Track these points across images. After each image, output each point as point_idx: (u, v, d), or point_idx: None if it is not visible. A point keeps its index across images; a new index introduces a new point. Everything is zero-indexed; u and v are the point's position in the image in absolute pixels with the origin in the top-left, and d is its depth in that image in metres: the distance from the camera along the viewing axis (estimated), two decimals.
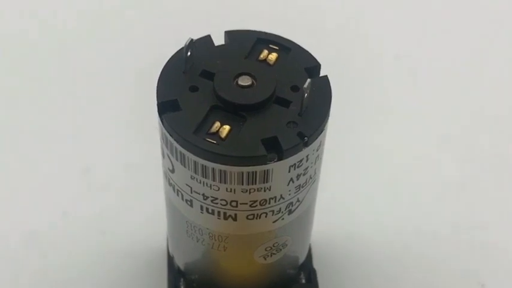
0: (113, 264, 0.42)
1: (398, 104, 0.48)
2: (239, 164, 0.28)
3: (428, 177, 0.45)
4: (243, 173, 0.28)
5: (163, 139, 0.30)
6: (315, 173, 0.31)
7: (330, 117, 0.30)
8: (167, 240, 0.37)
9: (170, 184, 0.31)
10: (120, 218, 0.43)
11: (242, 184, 0.29)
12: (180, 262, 0.35)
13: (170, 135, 0.29)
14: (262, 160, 0.28)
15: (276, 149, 0.28)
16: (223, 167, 0.28)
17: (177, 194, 0.31)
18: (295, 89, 0.30)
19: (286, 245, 0.33)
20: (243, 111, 0.29)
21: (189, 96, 0.29)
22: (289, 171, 0.29)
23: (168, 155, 0.30)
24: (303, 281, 0.35)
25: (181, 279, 0.35)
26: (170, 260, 0.36)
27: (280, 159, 0.28)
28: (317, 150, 0.30)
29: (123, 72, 0.49)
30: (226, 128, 0.29)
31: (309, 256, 0.36)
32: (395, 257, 0.42)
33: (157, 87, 0.30)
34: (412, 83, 0.50)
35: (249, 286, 0.34)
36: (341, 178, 0.44)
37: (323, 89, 0.30)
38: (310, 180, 0.31)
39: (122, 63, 0.49)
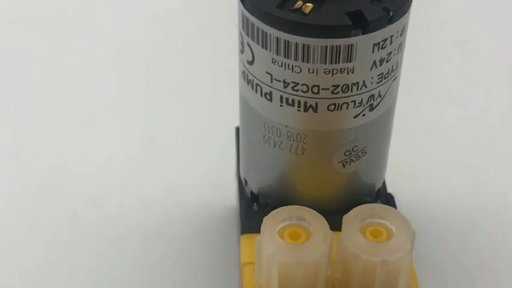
0: (177, 218, 0.41)
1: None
2: (323, 36, 0.28)
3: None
4: (326, 47, 0.28)
5: (243, 26, 0.29)
6: (397, 66, 0.30)
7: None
8: (237, 168, 0.36)
9: (248, 81, 0.31)
10: (185, 178, 0.43)
11: (325, 63, 0.28)
12: (253, 184, 0.34)
13: (252, 14, 0.29)
14: (346, 31, 0.28)
15: (360, 24, 0.28)
16: (306, 41, 0.28)
17: (256, 90, 0.30)
18: None
19: (366, 152, 0.32)
20: None
21: None
22: (372, 51, 0.29)
23: (248, 44, 0.30)
24: None
25: (254, 204, 0.34)
26: (241, 187, 0.35)
27: (364, 32, 0.28)
28: (401, 35, 0.29)
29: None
30: (310, 5, 0.28)
31: (384, 184, 0.35)
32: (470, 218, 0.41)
33: None
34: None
35: (325, 207, 0.33)
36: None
37: None
38: (393, 73, 0.30)
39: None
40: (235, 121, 0.35)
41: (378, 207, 0.30)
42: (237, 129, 0.36)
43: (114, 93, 0.48)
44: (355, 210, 0.30)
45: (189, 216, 0.41)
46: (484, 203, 0.41)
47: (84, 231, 0.40)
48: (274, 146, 0.31)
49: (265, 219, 0.30)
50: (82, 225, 0.40)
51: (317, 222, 0.29)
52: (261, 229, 0.29)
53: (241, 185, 0.35)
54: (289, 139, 0.31)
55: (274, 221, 0.30)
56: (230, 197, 0.40)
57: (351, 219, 0.29)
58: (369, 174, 0.33)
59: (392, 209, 0.30)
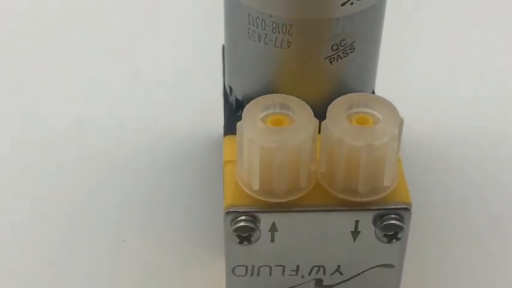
0: (163, 149, 0.40)
1: None
2: None
3: None
4: None
5: None
6: None
7: None
8: (223, 79, 0.35)
9: None
10: (170, 111, 0.42)
11: None
12: (238, 89, 0.33)
13: None
14: None
15: None
16: None
17: None
18: None
19: (354, 48, 0.30)
20: None
21: None
22: None
23: None
24: None
25: (239, 111, 0.33)
26: (226, 97, 0.34)
27: None
28: None
29: None
30: None
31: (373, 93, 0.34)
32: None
33: None
34: None
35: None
36: None
37: None
38: None
39: None
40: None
41: (365, 95, 0.29)
42: (223, 46, 0.35)
43: (98, 26, 0.47)
44: (341, 98, 0.29)
45: (175, 143, 0.40)
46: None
47: (70, 151, 0.40)
48: (259, 41, 0.30)
49: (247, 106, 0.29)
50: (68, 145, 0.40)
51: (301, 110, 0.28)
52: (243, 115, 0.28)
53: (226, 95, 0.34)
54: (274, 31, 0.30)
55: (256, 107, 0.28)
56: (218, 125, 0.39)
57: (337, 106, 0.28)
58: (358, 77, 0.32)
59: (381, 97, 0.29)
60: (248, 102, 0.32)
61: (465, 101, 0.41)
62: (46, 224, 0.36)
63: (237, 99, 0.33)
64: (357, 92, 0.32)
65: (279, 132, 0.28)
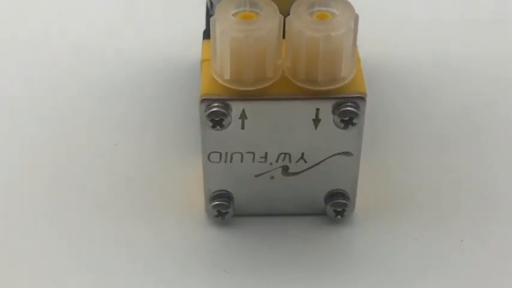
0: (154, 71, 0.43)
1: None
2: None
3: None
4: None
5: None
6: None
7: None
8: None
9: None
10: (161, 32, 0.45)
11: None
12: (217, 1, 0.36)
13: None
14: None
15: None
16: None
17: None
18: None
19: None
20: None
21: None
22: None
23: None
24: None
25: None
26: (207, 11, 0.37)
27: None
28: None
29: None
30: None
31: None
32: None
33: None
34: None
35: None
36: None
37: None
38: None
39: None
40: None
41: None
42: None
43: None
44: None
45: (165, 66, 0.44)
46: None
47: (68, 76, 0.43)
48: None
49: (220, 2, 0.32)
50: (65, 70, 0.44)
51: (268, 7, 0.32)
52: (215, 10, 0.32)
53: (208, 10, 0.38)
54: None
55: (228, 4, 0.32)
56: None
57: (300, 3, 0.32)
58: None
59: None
60: None
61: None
62: (47, 130, 0.40)
63: None
64: None
65: (247, 23, 0.31)
